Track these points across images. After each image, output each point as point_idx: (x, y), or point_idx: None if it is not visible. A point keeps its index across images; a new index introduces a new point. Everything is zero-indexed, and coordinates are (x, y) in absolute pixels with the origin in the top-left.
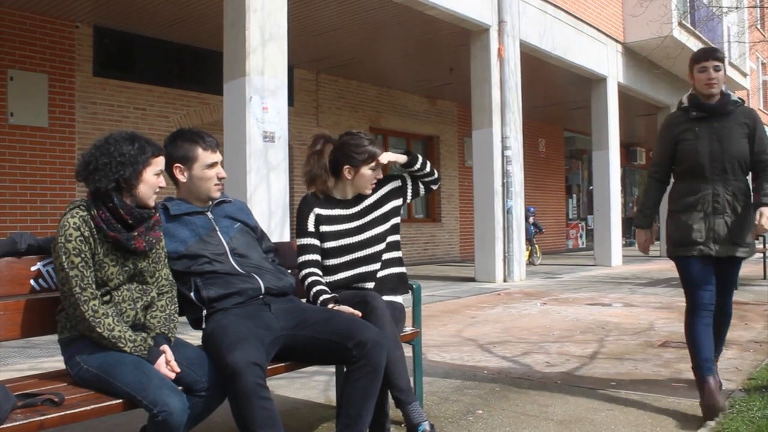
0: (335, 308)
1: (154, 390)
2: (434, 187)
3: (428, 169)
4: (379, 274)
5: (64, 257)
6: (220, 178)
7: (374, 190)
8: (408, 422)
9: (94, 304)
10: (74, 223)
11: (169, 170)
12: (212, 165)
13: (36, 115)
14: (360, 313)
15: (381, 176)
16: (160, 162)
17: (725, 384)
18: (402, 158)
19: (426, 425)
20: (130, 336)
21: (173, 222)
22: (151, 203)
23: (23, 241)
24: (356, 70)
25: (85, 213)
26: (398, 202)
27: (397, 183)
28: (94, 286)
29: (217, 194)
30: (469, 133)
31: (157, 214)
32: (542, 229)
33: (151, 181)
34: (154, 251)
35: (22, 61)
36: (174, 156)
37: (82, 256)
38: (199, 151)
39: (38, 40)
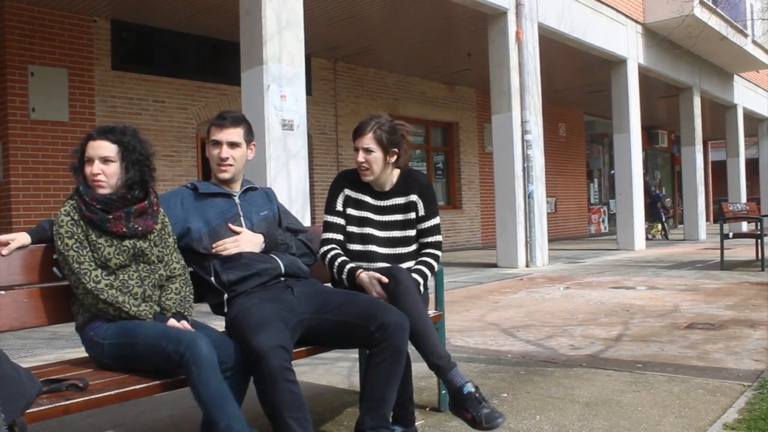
0: (361, 273)
1: (176, 333)
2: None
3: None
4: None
5: (59, 241)
6: (221, 158)
7: (402, 192)
8: (451, 387)
9: (96, 275)
10: (65, 210)
11: None
12: (215, 143)
13: (57, 109)
14: (386, 280)
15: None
16: (89, 147)
17: (754, 365)
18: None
19: (470, 386)
20: (135, 302)
21: (200, 201)
22: (98, 190)
23: (51, 228)
24: (374, 58)
25: (74, 201)
26: (413, 215)
27: (418, 203)
28: (92, 264)
29: (221, 175)
30: (488, 118)
31: (145, 203)
32: (669, 209)
33: (85, 170)
34: (156, 235)
35: (42, 57)
36: None
37: (75, 237)
38: (212, 127)
39: (57, 35)
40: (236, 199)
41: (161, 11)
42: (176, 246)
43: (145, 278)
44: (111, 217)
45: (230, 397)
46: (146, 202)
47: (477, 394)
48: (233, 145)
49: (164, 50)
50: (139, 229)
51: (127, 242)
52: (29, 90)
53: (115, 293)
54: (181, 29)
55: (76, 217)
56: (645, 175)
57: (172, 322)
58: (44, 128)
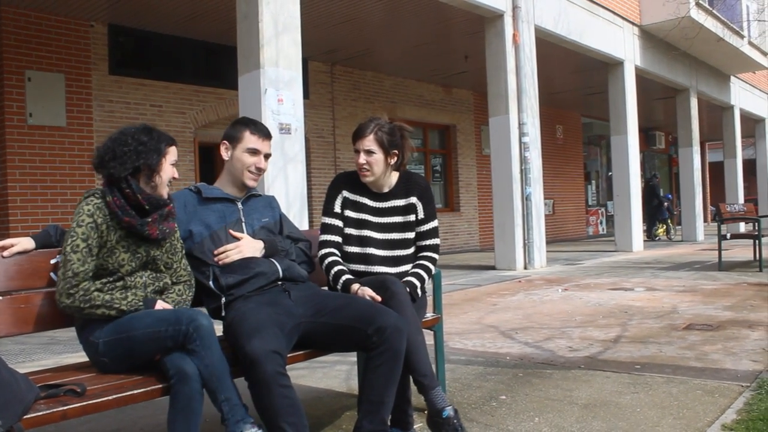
0: (358, 290)
1: (174, 314)
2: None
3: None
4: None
5: (70, 239)
6: (257, 168)
7: (402, 194)
8: (431, 407)
9: (86, 285)
10: (88, 210)
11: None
12: (254, 151)
13: (54, 114)
14: (380, 298)
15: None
16: (173, 152)
17: (752, 365)
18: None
19: (450, 410)
20: (122, 295)
21: (203, 205)
22: (164, 193)
23: (57, 233)
24: (371, 61)
25: (100, 200)
26: (413, 217)
27: (417, 205)
28: (90, 273)
29: (250, 183)
30: (485, 121)
31: (171, 205)
32: (674, 211)
33: (168, 170)
34: (168, 242)
35: (39, 62)
36: (226, 134)
37: (88, 242)
38: (247, 133)
39: (54, 40)
40: (239, 204)
41: (158, 16)
42: (184, 252)
43: (148, 285)
44: (149, 220)
45: (228, 370)
46: (172, 204)
47: (455, 420)
48: (268, 156)
49: (161, 54)
50: (167, 231)
51: (141, 250)
52: (26, 95)
53: (101, 295)
54: (178, 33)
55: (99, 220)
56: (654, 177)
57: (161, 304)
58: (41, 133)
